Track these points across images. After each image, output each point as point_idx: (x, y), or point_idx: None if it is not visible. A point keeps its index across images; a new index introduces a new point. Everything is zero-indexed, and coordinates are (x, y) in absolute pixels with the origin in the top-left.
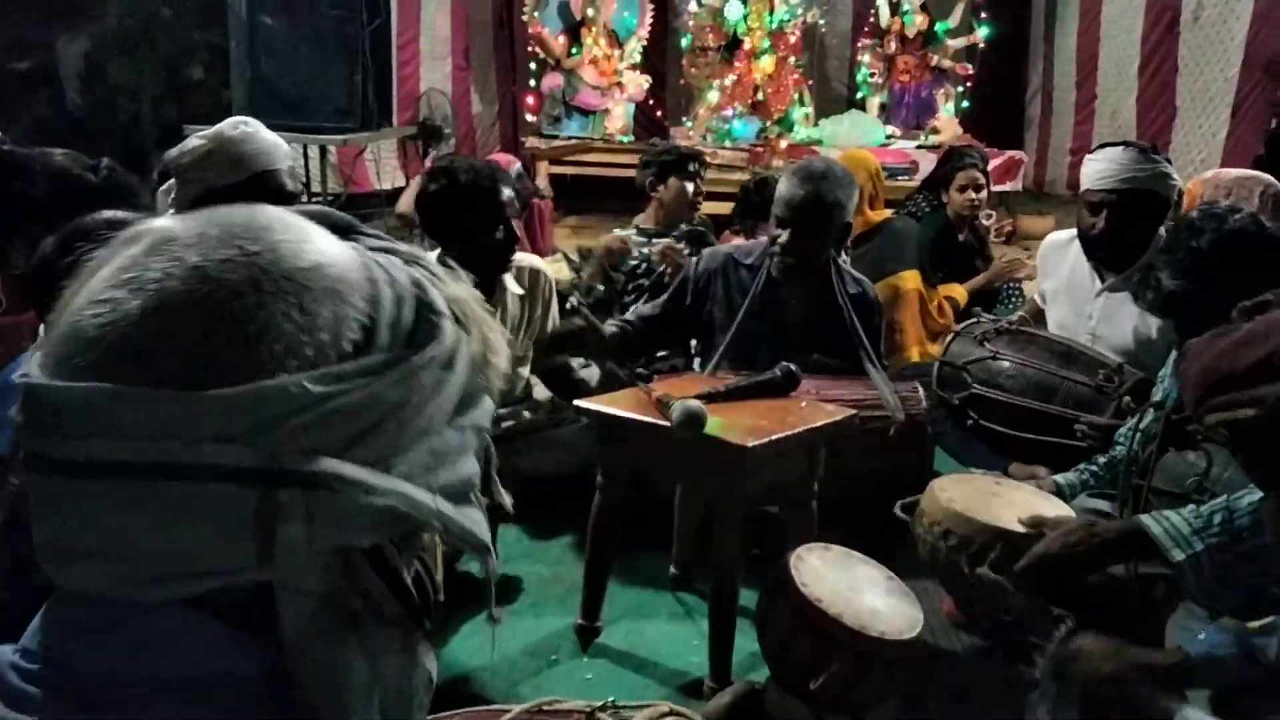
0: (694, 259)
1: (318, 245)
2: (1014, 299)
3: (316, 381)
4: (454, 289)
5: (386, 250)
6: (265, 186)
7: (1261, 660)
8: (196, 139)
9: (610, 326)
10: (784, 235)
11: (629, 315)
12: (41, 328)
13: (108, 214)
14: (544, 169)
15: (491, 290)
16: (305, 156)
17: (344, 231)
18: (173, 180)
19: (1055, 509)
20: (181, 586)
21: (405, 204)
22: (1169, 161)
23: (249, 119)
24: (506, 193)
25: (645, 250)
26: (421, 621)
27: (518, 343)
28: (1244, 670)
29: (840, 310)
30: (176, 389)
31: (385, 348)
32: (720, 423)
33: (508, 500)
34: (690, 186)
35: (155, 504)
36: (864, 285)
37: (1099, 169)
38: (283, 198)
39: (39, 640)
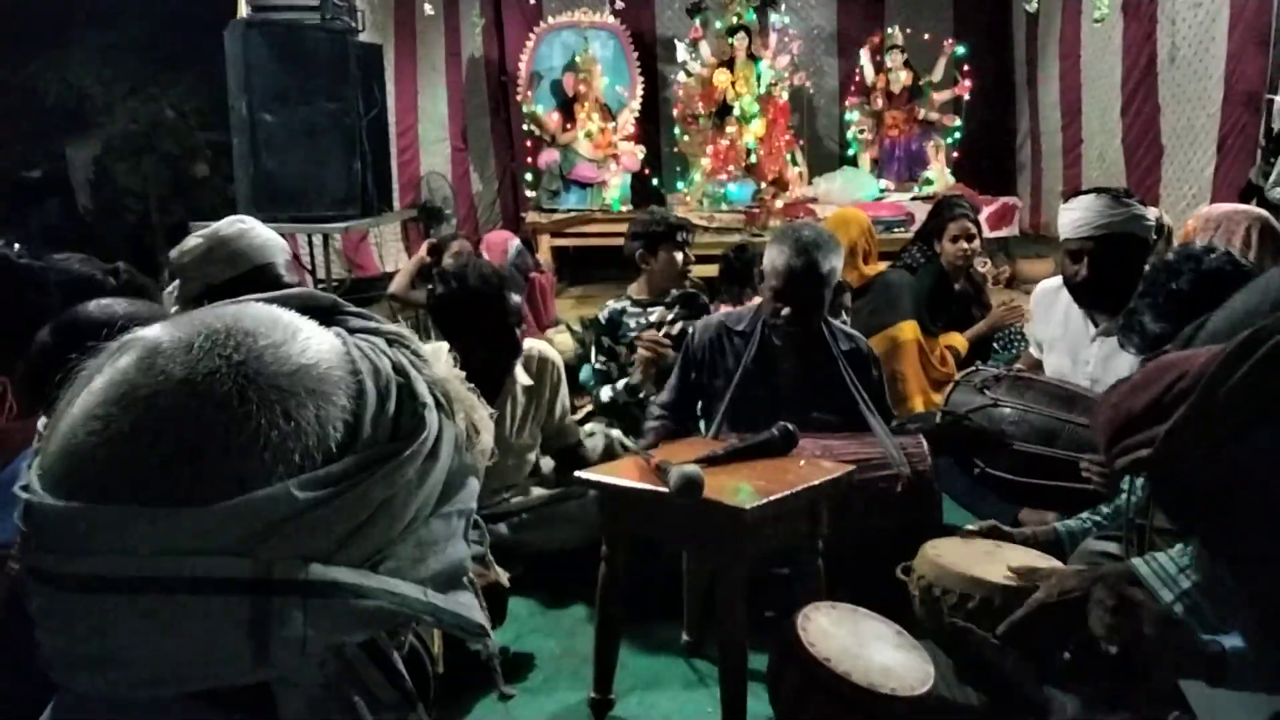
0: (690, 332)
1: (301, 344)
2: (1015, 344)
3: (304, 488)
4: (437, 370)
5: (370, 331)
6: (263, 280)
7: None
8: (195, 238)
9: (653, 428)
10: (784, 309)
11: (654, 410)
12: (41, 424)
13: (99, 305)
14: (545, 242)
15: (500, 384)
16: (310, 244)
17: (327, 313)
18: (176, 281)
19: (1049, 566)
20: (182, 686)
21: (398, 285)
22: (1141, 203)
23: (245, 217)
24: (514, 299)
25: (642, 320)
26: (416, 703)
27: (525, 431)
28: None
29: (835, 367)
30: (171, 503)
31: (369, 443)
32: (719, 486)
33: (504, 576)
34: (679, 256)
35: (154, 616)
36: (856, 340)
37: (1075, 218)
38: (279, 289)
39: None
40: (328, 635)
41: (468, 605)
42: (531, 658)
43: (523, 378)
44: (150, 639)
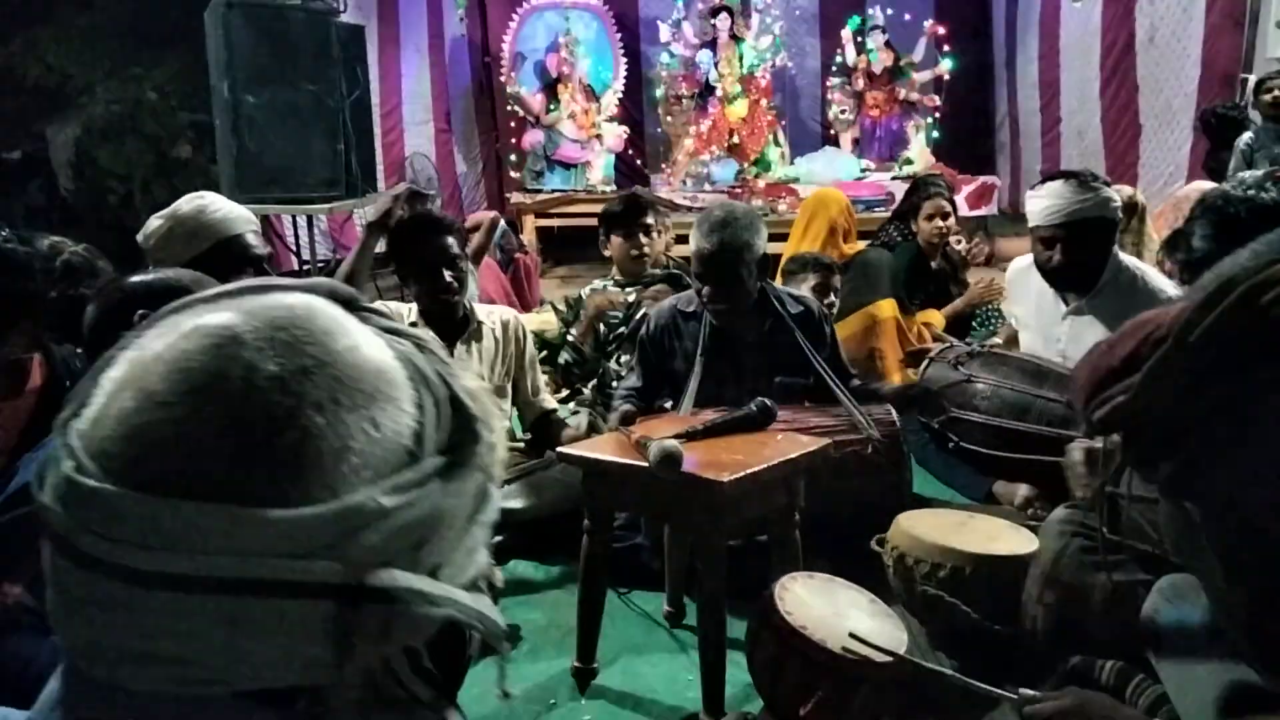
0: (645, 318)
1: (368, 350)
2: (992, 321)
3: (388, 494)
4: (468, 381)
5: (396, 333)
6: (230, 252)
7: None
8: (156, 219)
9: (628, 410)
10: (705, 289)
11: (621, 390)
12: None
13: (155, 277)
14: (530, 223)
15: (455, 316)
16: (294, 225)
17: (349, 306)
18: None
19: (1019, 536)
20: (240, 686)
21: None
22: (1107, 184)
23: (205, 193)
24: (451, 241)
25: (621, 299)
26: (453, 696)
27: (494, 375)
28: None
29: (790, 333)
30: (261, 504)
31: (432, 452)
32: (698, 460)
33: (498, 576)
34: (630, 242)
35: (237, 617)
36: (804, 301)
37: (1044, 205)
38: (249, 260)
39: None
40: (400, 641)
41: (493, 609)
42: (518, 629)
43: (489, 320)
44: (227, 640)
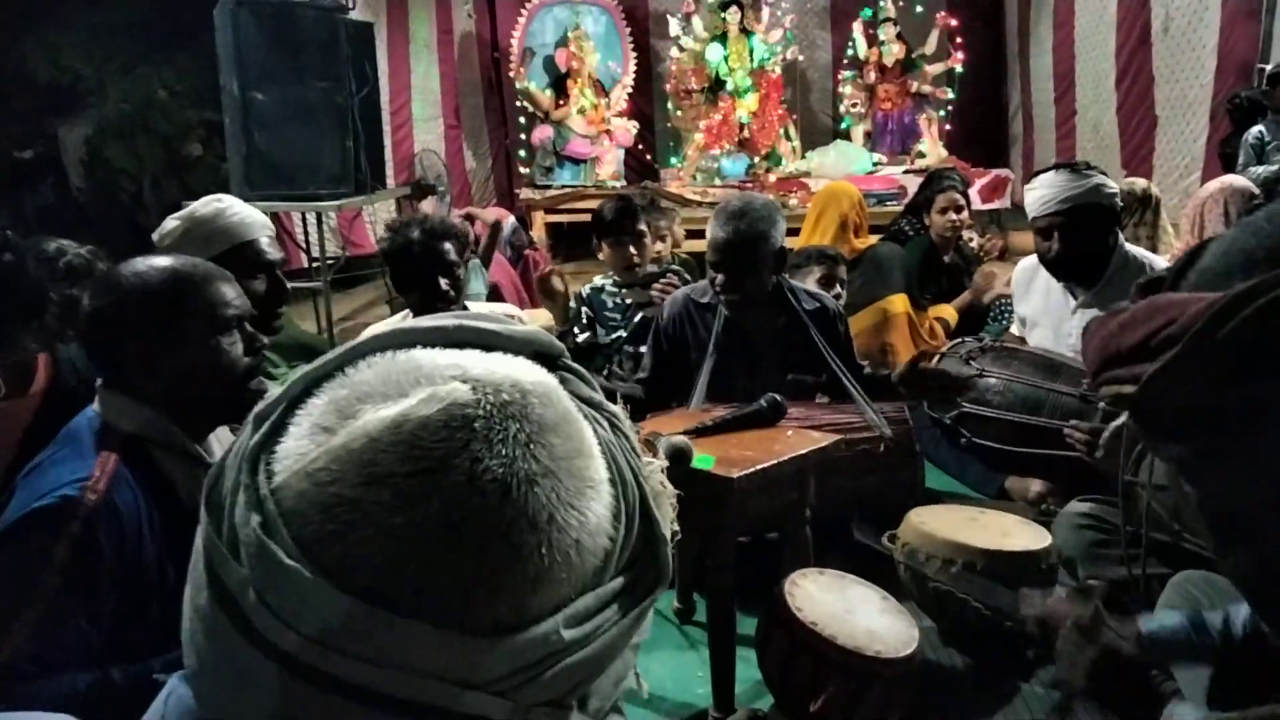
0: (659, 311)
1: (581, 444)
2: (1006, 315)
3: (569, 624)
4: (656, 483)
5: (595, 405)
6: (244, 258)
7: (1212, 636)
8: (172, 220)
9: (623, 389)
10: (719, 277)
11: (632, 379)
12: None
13: (147, 265)
14: (539, 219)
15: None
16: (304, 222)
17: (551, 363)
18: None
19: (1031, 531)
20: None
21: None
22: (1103, 173)
23: (223, 195)
24: (450, 253)
25: (620, 300)
26: None
27: None
28: (1199, 647)
29: (803, 327)
30: (447, 623)
31: (615, 570)
32: (707, 456)
33: (645, 688)
34: (619, 252)
35: None
36: (821, 299)
37: (1039, 195)
38: (262, 266)
39: None
40: None
41: None
42: None
43: None
44: None
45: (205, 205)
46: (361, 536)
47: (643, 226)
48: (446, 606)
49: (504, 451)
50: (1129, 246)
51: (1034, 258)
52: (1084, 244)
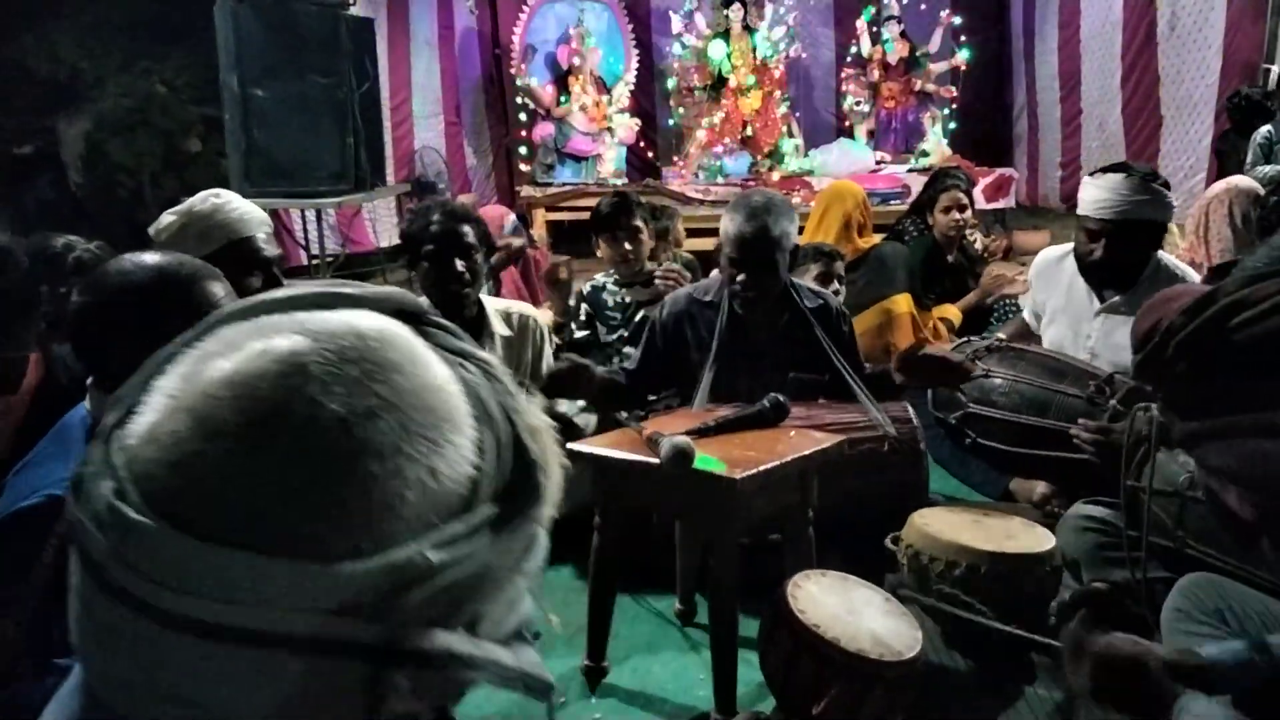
0: (659, 306)
1: (437, 384)
2: (1010, 315)
3: (436, 548)
4: (533, 419)
5: (465, 355)
6: (240, 254)
7: (1276, 658)
8: (169, 215)
9: (604, 372)
10: (740, 275)
11: (617, 368)
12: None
13: (133, 263)
14: (540, 216)
15: (479, 330)
16: (303, 219)
17: (415, 320)
18: None
19: (1035, 534)
20: None
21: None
22: (1166, 186)
23: (221, 190)
24: (465, 229)
25: (620, 299)
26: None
27: None
28: (1263, 671)
29: (807, 326)
30: (306, 557)
31: (487, 498)
32: (710, 457)
33: (555, 619)
34: (615, 247)
35: (264, 670)
36: (824, 297)
37: (1098, 197)
38: (259, 263)
39: None
40: (434, 701)
41: (538, 663)
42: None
43: (501, 328)
44: (253, 691)
45: (202, 201)
46: (209, 486)
47: (639, 223)
48: (302, 541)
49: (341, 390)
50: (1162, 256)
51: (1055, 249)
52: (1128, 256)
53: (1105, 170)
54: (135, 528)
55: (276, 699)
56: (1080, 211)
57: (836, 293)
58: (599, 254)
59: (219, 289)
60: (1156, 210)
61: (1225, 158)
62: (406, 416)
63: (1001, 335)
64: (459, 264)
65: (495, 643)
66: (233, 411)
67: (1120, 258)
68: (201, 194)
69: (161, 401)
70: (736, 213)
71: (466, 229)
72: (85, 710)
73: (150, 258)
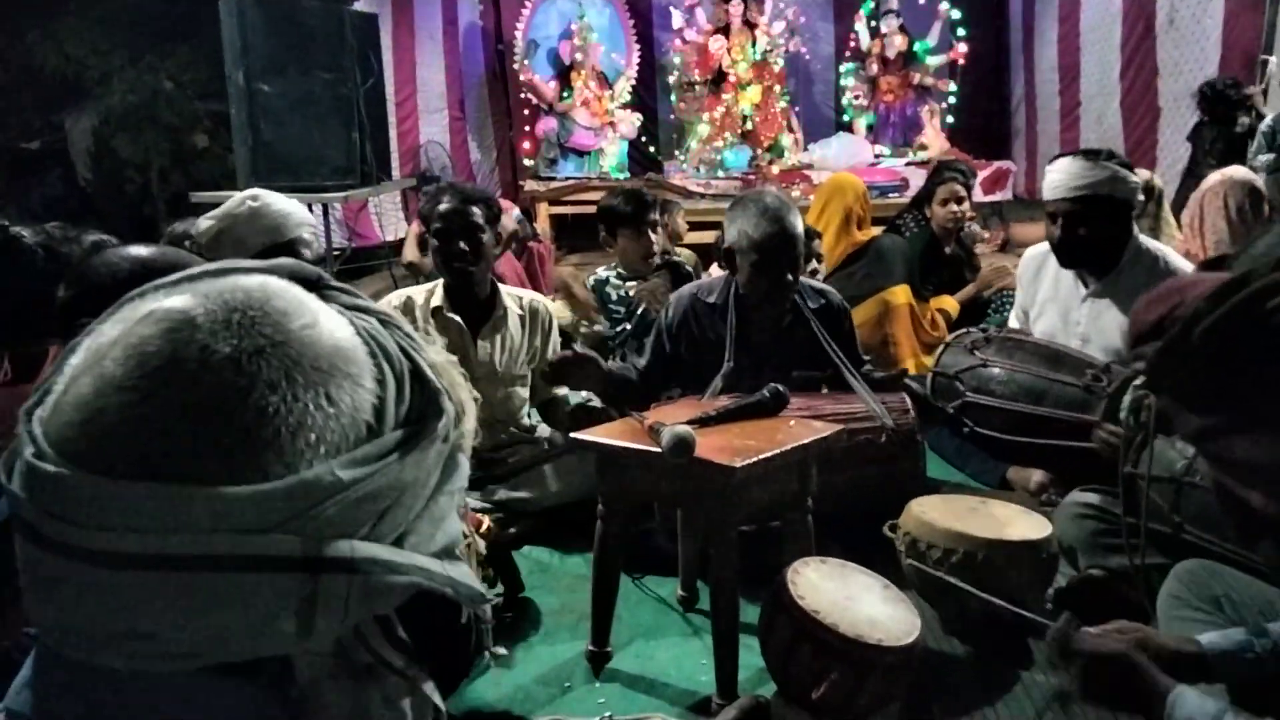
0: (665, 307)
1: (327, 326)
2: (1007, 307)
3: (345, 467)
4: (432, 354)
5: (362, 310)
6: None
7: (1275, 644)
8: (207, 219)
9: (615, 367)
10: (764, 277)
11: (629, 364)
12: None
13: (116, 255)
14: (544, 210)
15: (491, 308)
16: (310, 213)
17: (313, 285)
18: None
19: (1032, 521)
20: (209, 660)
21: (410, 253)
22: (1127, 165)
23: (260, 192)
24: (475, 211)
25: (624, 293)
26: (420, 665)
27: (517, 366)
28: (1262, 660)
29: (809, 325)
30: (219, 483)
31: (393, 426)
32: (711, 445)
33: (481, 545)
34: (639, 242)
35: (201, 593)
36: (826, 295)
37: (1053, 180)
38: None
39: (34, 704)
40: (365, 609)
41: (469, 575)
42: (535, 611)
43: (514, 307)
44: (193, 615)
45: (239, 204)
46: (115, 433)
47: (655, 216)
48: (213, 469)
49: (228, 335)
50: (1143, 239)
51: (1040, 246)
52: (1090, 233)
53: (1058, 157)
54: (52, 479)
55: (214, 622)
56: (1044, 199)
57: (814, 272)
58: (610, 249)
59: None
60: (1112, 187)
61: (1198, 150)
62: (295, 352)
63: (1013, 325)
64: (462, 244)
65: (429, 556)
66: (128, 368)
67: (1081, 236)
68: (239, 196)
69: (68, 374)
70: (754, 217)
71: (474, 209)
72: (41, 667)
73: (136, 250)
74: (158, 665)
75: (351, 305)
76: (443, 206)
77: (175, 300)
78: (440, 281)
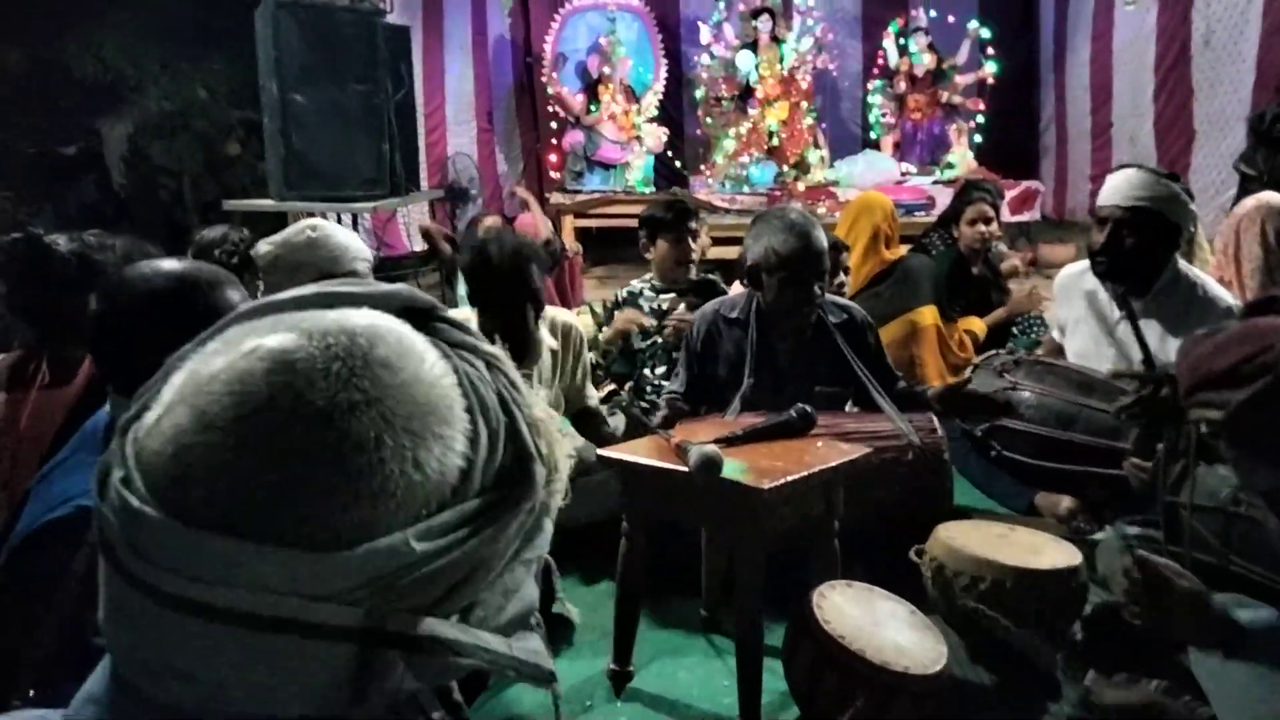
0: (690, 326)
1: (428, 377)
2: (1034, 330)
3: (421, 538)
4: (535, 410)
5: (470, 349)
6: None
7: None
8: (265, 244)
9: (666, 402)
10: (790, 291)
11: (666, 394)
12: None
13: (151, 269)
14: (569, 223)
15: (528, 347)
16: (339, 223)
17: (424, 316)
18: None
19: (1061, 550)
20: (258, 712)
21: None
22: (1188, 193)
23: (319, 223)
24: (536, 278)
25: (655, 304)
26: (478, 687)
27: (550, 393)
28: None
29: (832, 340)
30: (293, 544)
31: (477, 489)
32: (738, 466)
33: (574, 612)
34: (679, 248)
35: (258, 650)
36: (849, 310)
37: (1110, 185)
38: None
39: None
40: (423, 684)
41: (539, 652)
42: (569, 626)
43: (550, 341)
44: (248, 670)
45: (298, 233)
46: (202, 476)
47: (694, 225)
48: (288, 528)
49: (323, 386)
50: (1184, 266)
51: (1079, 264)
52: (1135, 245)
53: (1124, 166)
54: (138, 515)
55: (270, 677)
56: (1097, 204)
57: (841, 284)
58: (648, 255)
59: (235, 295)
60: (1167, 205)
61: (1247, 177)
62: (390, 410)
63: (1040, 352)
64: (530, 310)
65: (493, 630)
66: (224, 405)
67: (1122, 246)
68: (299, 224)
69: (169, 397)
70: (779, 232)
71: (535, 270)
72: (111, 688)
73: (170, 264)
74: (211, 710)
75: (459, 343)
76: (507, 281)
77: (279, 338)
78: (473, 316)
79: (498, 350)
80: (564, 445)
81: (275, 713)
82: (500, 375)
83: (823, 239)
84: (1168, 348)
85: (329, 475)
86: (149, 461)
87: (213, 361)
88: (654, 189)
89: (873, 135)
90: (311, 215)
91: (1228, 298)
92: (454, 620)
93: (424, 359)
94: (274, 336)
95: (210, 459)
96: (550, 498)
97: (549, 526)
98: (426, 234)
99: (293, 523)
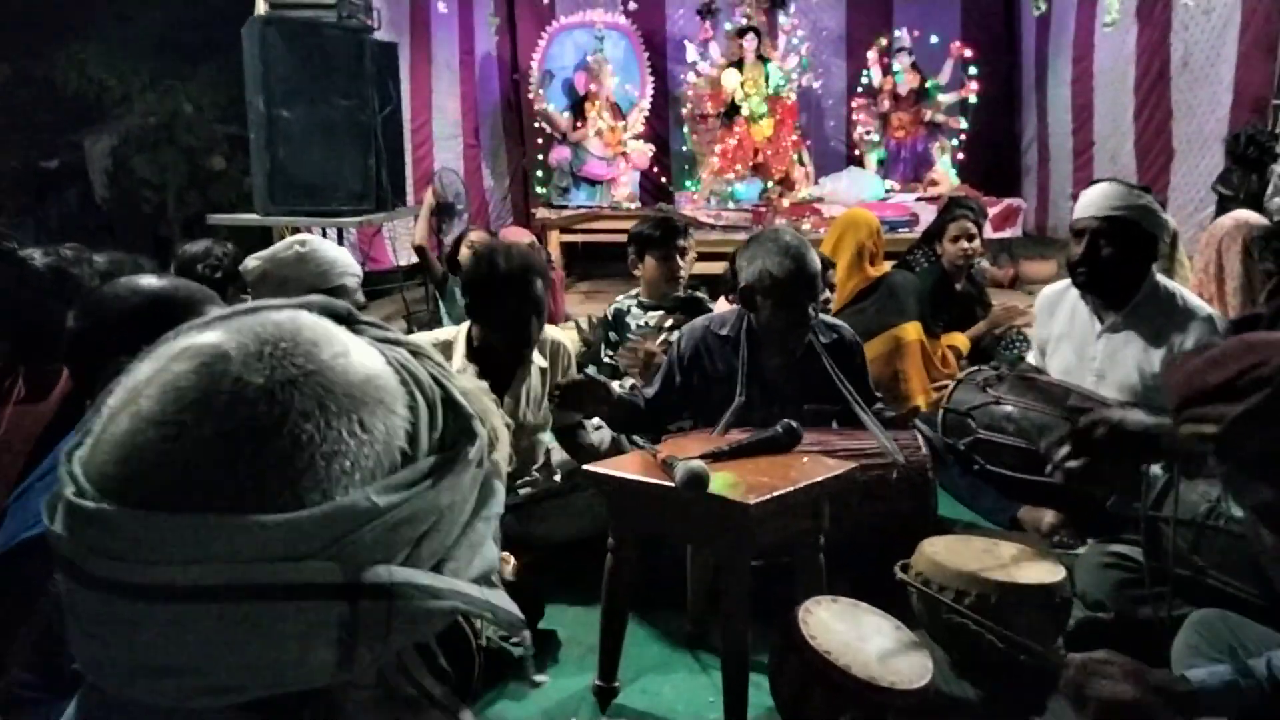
0: (679, 336)
1: (358, 357)
2: (1016, 345)
3: (381, 492)
4: (463, 382)
5: (393, 342)
6: None
7: (1259, 681)
8: (253, 260)
9: (622, 390)
10: (784, 313)
11: (637, 392)
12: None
13: (127, 286)
14: (555, 238)
15: (520, 363)
16: (324, 237)
17: (344, 321)
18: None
19: (1045, 564)
20: (249, 694)
21: (420, 235)
22: (1160, 204)
23: (308, 238)
24: (539, 288)
25: (642, 321)
26: (465, 695)
27: (540, 413)
28: (1248, 695)
29: (820, 359)
30: (254, 512)
31: (427, 452)
32: (724, 481)
33: (509, 569)
34: (667, 265)
35: (241, 623)
36: (839, 330)
37: (1085, 200)
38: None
39: None
40: (406, 636)
41: (507, 600)
42: (555, 644)
43: (539, 360)
44: (231, 647)
45: (286, 248)
46: (152, 469)
47: (683, 242)
48: (249, 499)
49: (260, 367)
50: (1162, 278)
51: (1058, 284)
52: (1112, 255)
53: (1096, 181)
54: (93, 515)
55: (256, 653)
56: (1072, 219)
57: (827, 301)
58: (636, 271)
59: (214, 312)
60: (1143, 215)
61: (1224, 199)
62: (328, 380)
63: (1029, 361)
64: (535, 324)
65: (467, 582)
66: (162, 402)
67: (1100, 256)
68: (287, 240)
69: (106, 414)
70: (775, 255)
71: (540, 284)
72: (85, 704)
73: (146, 282)
74: (197, 700)
75: (382, 338)
76: (513, 294)
77: (208, 336)
78: (460, 332)
79: (417, 340)
80: (499, 414)
81: (265, 689)
82: (426, 360)
83: (816, 262)
84: (1151, 359)
85: (279, 444)
86: (99, 471)
87: (143, 371)
88: (639, 204)
89: (857, 152)
90: (296, 230)
91: (1206, 307)
92: (431, 573)
93: (350, 343)
94: (201, 336)
95: (159, 451)
96: (497, 464)
97: (500, 489)
98: (420, 251)
99: (254, 493)
